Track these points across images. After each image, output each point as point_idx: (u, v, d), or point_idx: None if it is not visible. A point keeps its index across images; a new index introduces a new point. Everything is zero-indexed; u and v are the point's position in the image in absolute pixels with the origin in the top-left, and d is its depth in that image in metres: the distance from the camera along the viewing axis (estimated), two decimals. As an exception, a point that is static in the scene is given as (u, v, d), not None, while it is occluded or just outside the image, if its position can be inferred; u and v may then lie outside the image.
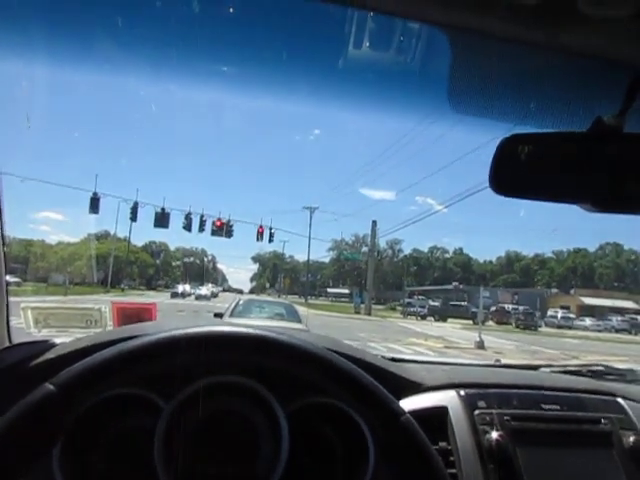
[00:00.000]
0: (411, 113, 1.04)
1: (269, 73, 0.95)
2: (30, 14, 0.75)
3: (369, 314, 30.36)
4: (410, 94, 0.94)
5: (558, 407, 0.98)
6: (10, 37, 0.81)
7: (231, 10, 0.77)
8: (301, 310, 10.76)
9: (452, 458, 0.88)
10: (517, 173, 0.71)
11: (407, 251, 64.26)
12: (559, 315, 36.55)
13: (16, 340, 1.06)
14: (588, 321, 35.27)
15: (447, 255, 68.77)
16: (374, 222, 34.14)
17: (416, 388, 0.99)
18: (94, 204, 22.31)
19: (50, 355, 0.90)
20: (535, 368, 1.39)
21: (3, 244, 0.96)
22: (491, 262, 68.10)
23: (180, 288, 37.89)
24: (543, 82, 0.77)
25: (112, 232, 41.08)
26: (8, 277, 1.03)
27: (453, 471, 0.86)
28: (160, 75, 0.99)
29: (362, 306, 32.70)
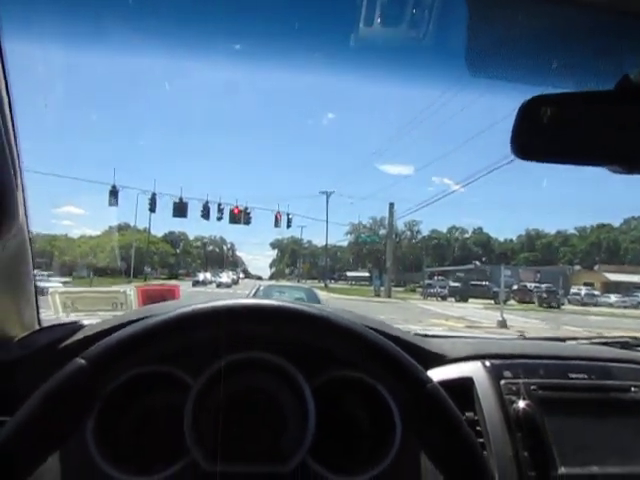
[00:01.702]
0: (429, 86, 1.02)
1: (283, 51, 0.93)
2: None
3: (389, 296, 30.36)
4: (427, 65, 0.92)
5: (586, 376, 0.97)
6: (22, 23, 0.82)
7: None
8: (321, 294, 10.82)
9: (479, 428, 0.87)
10: (541, 136, 0.69)
11: (425, 232, 63.79)
12: (583, 292, 35.96)
13: (45, 325, 1.09)
14: (613, 298, 34.64)
15: (466, 235, 68.08)
16: (391, 204, 34.00)
17: (441, 360, 0.98)
18: (113, 197, 22.66)
19: (79, 336, 0.92)
20: (561, 340, 1.37)
21: (29, 235, 0.98)
22: (512, 240, 67.25)
23: (201, 276, 38.47)
24: (565, 40, 0.74)
25: (132, 224, 41.69)
26: (35, 271, 1.05)
27: (480, 440, 0.85)
28: (173, 55, 0.99)
29: (382, 289, 32.69)
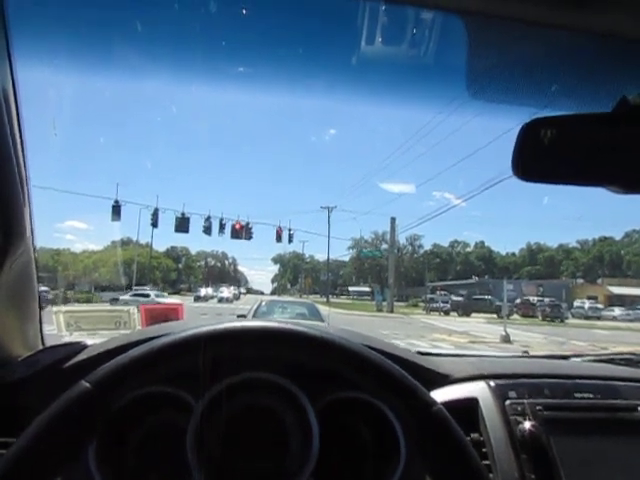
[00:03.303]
0: (429, 105, 1.03)
1: (285, 71, 0.95)
2: (52, 22, 0.77)
3: (391, 311, 30.21)
4: (427, 85, 0.94)
5: (591, 395, 0.96)
6: (33, 47, 0.83)
7: (244, 11, 0.78)
8: (323, 309, 10.79)
9: (484, 449, 0.87)
10: (541, 157, 0.69)
11: (427, 246, 63.78)
12: (586, 306, 35.79)
13: (49, 344, 1.09)
14: (617, 311, 34.45)
15: (468, 249, 68.09)
16: (393, 219, 34.00)
17: (445, 380, 0.98)
18: (116, 212, 22.74)
19: (83, 356, 0.92)
20: (565, 358, 1.36)
21: (34, 252, 0.99)
22: (514, 254, 67.20)
23: (203, 291, 38.51)
24: (564, 63, 0.76)
25: (135, 239, 41.77)
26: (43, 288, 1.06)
27: (486, 462, 0.84)
28: (178, 78, 1.00)
29: (384, 303, 32.54)
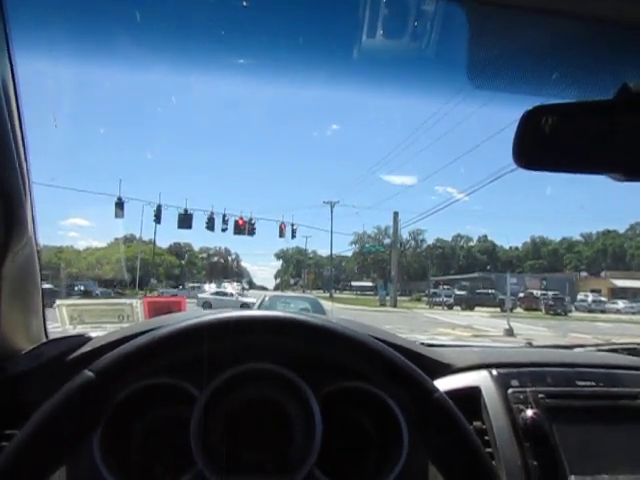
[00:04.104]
0: (431, 96, 1.03)
1: (285, 63, 0.95)
2: (52, 12, 0.77)
3: (394, 306, 30.24)
4: (429, 76, 0.93)
5: (594, 383, 0.96)
6: (32, 38, 0.83)
7: (245, 3, 0.78)
8: (326, 304, 10.83)
9: (487, 437, 0.87)
10: (542, 145, 0.69)
11: (430, 241, 63.76)
12: (590, 299, 35.72)
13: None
14: (621, 304, 34.40)
15: (471, 243, 67.95)
16: (396, 213, 33.98)
17: (447, 369, 0.98)
18: (119, 208, 22.77)
19: (87, 348, 0.93)
20: (568, 348, 1.36)
21: (37, 247, 0.99)
22: (517, 248, 67.07)
23: (206, 288, 38.55)
24: (565, 51, 0.75)
25: (138, 235, 41.82)
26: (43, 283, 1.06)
27: (489, 450, 0.85)
28: (178, 70, 1.00)
29: (387, 298, 32.57)
